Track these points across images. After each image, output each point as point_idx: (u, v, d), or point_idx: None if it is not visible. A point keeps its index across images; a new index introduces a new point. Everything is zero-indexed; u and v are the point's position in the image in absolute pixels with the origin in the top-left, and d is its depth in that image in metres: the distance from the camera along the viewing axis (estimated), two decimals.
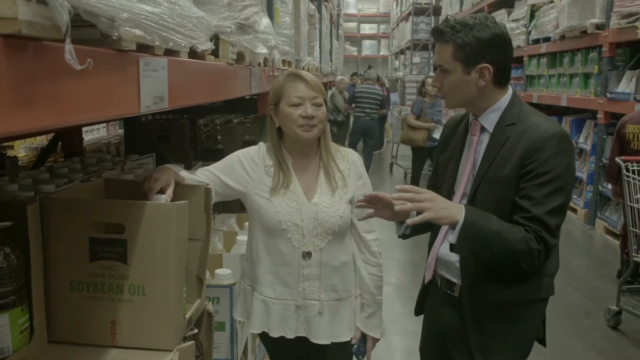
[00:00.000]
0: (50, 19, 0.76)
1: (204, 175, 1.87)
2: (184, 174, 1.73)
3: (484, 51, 1.72)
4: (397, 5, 25.16)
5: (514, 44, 9.42)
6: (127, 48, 1.06)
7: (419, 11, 20.64)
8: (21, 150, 4.31)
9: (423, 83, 7.54)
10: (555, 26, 7.61)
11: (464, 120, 1.93)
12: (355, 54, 27.24)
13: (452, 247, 1.81)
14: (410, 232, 1.90)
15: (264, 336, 2.00)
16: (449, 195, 1.88)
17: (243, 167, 1.92)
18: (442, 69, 1.79)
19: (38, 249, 1.32)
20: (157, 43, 1.22)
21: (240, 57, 2.24)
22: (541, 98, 8.23)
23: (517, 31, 9.30)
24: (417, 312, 2.14)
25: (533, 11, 8.69)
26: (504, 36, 1.75)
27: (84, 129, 7.40)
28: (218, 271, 2.24)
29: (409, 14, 20.68)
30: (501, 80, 1.79)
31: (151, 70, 1.20)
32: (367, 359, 2.03)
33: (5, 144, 3.49)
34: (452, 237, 1.70)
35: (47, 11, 0.75)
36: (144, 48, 1.20)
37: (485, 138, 1.82)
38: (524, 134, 1.73)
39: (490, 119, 1.81)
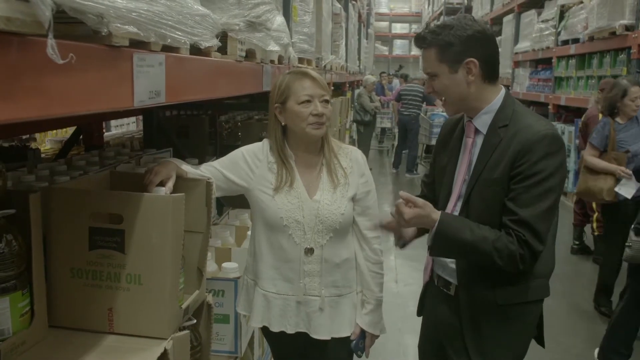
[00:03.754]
0: (32, 15, 0.79)
1: (207, 170, 1.91)
2: (187, 168, 1.77)
3: (467, 47, 1.75)
4: (428, 4, 25.04)
5: (543, 45, 9.31)
6: (119, 44, 1.09)
7: (450, 11, 20.51)
8: (47, 143, 4.42)
9: (625, 92, 4.27)
10: (585, 27, 7.48)
11: (461, 122, 1.94)
12: (386, 53, 27.15)
13: (430, 251, 1.86)
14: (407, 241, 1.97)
15: (265, 330, 2.04)
16: (447, 198, 1.89)
17: (246, 163, 1.96)
18: (430, 75, 1.83)
19: (39, 237, 1.37)
20: (153, 39, 1.25)
21: (250, 54, 2.27)
22: (569, 100, 8.10)
23: (547, 32, 9.17)
24: (419, 312, 2.16)
25: (562, 12, 8.55)
26: (485, 32, 1.78)
27: (113, 123, 7.58)
28: (225, 264, 2.28)
29: (441, 13, 20.58)
30: (490, 75, 1.80)
31: (146, 65, 1.23)
32: (365, 355, 2.05)
33: (27, 135, 3.61)
34: (428, 240, 1.79)
35: (28, 7, 0.79)
36: (141, 44, 1.24)
37: (480, 140, 1.84)
38: (515, 135, 1.74)
39: (483, 121, 1.82)
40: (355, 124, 10.95)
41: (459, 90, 1.79)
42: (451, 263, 1.89)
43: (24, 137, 3.74)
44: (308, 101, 1.88)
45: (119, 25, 1.07)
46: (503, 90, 1.84)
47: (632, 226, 3.20)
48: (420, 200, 1.77)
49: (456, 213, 1.86)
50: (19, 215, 1.32)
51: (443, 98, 1.85)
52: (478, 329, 1.85)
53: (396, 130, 12.33)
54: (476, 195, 1.80)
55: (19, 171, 2.10)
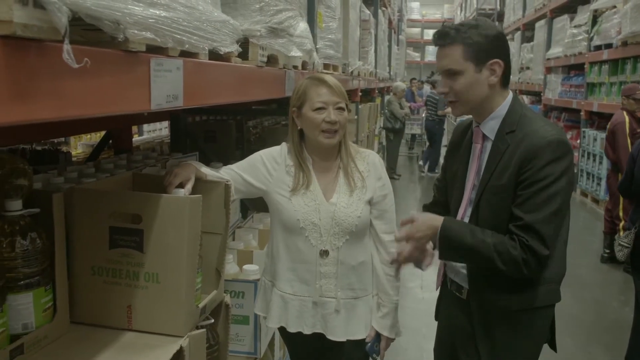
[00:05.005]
0: (48, 22, 0.84)
1: (227, 173, 1.95)
2: (206, 170, 1.81)
3: (493, 47, 1.75)
4: (461, 11, 24.96)
5: (575, 50, 9.20)
6: (136, 49, 1.14)
7: (483, 17, 20.38)
8: (79, 147, 4.55)
9: None
10: (618, 32, 7.37)
11: (471, 127, 1.94)
12: (418, 59, 27.11)
13: (439, 254, 1.88)
14: None
15: (282, 331, 2.07)
16: (458, 203, 1.90)
17: (265, 166, 1.99)
18: (450, 72, 1.78)
19: (62, 235, 1.42)
20: (171, 45, 1.29)
21: (273, 60, 2.31)
22: (601, 106, 7.98)
23: (579, 37, 9.05)
24: (437, 316, 2.16)
25: (595, 17, 8.44)
26: (505, 36, 1.82)
27: (145, 128, 7.73)
28: (246, 266, 2.32)
29: (473, 19, 20.45)
30: (506, 79, 1.81)
31: (164, 70, 1.28)
32: (380, 358, 2.06)
33: (63, 139, 3.72)
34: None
35: (45, 15, 0.83)
36: (159, 49, 1.28)
37: (488, 145, 1.84)
38: (521, 141, 1.73)
39: (490, 127, 1.82)
40: (384, 131, 10.95)
41: (480, 90, 1.78)
42: (462, 268, 1.90)
43: (56, 141, 3.85)
44: (322, 108, 1.91)
45: (135, 31, 1.11)
46: (510, 95, 1.84)
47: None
48: (408, 218, 1.83)
49: (466, 218, 1.87)
50: (43, 214, 1.38)
51: (454, 99, 1.83)
52: (490, 333, 1.85)
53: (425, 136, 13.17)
54: (484, 202, 1.80)
55: (49, 173, 2.16)
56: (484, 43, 1.74)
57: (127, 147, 3.54)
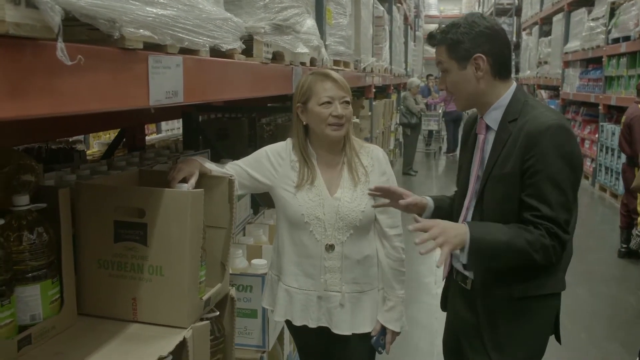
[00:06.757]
0: (41, 21, 0.87)
1: (232, 169, 1.98)
2: (210, 166, 1.84)
3: (474, 44, 1.77)
4: (479, 6, 24.81)
5: (593, 44, 9.09)
6: (133, 47, 1.16)
7: (500, 12, 20.29)
8: (95, 146, 4.63)
9: None
10: (636, 24, 7.27)
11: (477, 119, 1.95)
12: None
13: (466, 266, 1.81)
14: None
15: (289, 324, 2.09)
16: (463, 195, 1.91)
17: (270, 162, 2.02)
18: (442, 71, 1.86)
19: (68, 229, 1.46)
20: (169, 42, 1.32)
21: (279, 56, 2.34)
22: (620, 100, 7.88)
23: (597, 30, 8.94)
24: (443, 306, 2.17)
25: (613, 9, 8.33)
26: (493, 28, 1.79)
27: (164, 127, 7.82)
28: (254, 261, 2.35)
29: (491, 14, 20.31)
30: (499, 71, 1.80)
31: (162, 67, 1.30)
32: (386, 352, 2.07)
33: (74, 138, 3.79)
34: (463, 257, 1.73)
35: (38, 14, 0.86)
36: (158, 47, 1.31)
37: (491, 136, 1.84)
38: (522, 129, 1.73)
39: (493, 117, 1.83)
40: (401, 127, 10.94)
41: (469, 86, 1.81)
42: None
43: (71, 139, 3.92)
44: (329, 102, 1.93)
45: (132, 29, 1.14)
46: (514, 85, 1.84)
47: None
48: (427, 221, 1.76)
49: (471, 210, 1.87)
50: (51, 209, 1.42)
51: (452, 94, 1.88)
52: (494, 324, 1.85)
53: (444, 133, 13.83)
54: (488, 192, 1.80)
55: (62, 171, 2.21)
56: (464, 41, 1.77)
57: (140, 145, 3.60)
